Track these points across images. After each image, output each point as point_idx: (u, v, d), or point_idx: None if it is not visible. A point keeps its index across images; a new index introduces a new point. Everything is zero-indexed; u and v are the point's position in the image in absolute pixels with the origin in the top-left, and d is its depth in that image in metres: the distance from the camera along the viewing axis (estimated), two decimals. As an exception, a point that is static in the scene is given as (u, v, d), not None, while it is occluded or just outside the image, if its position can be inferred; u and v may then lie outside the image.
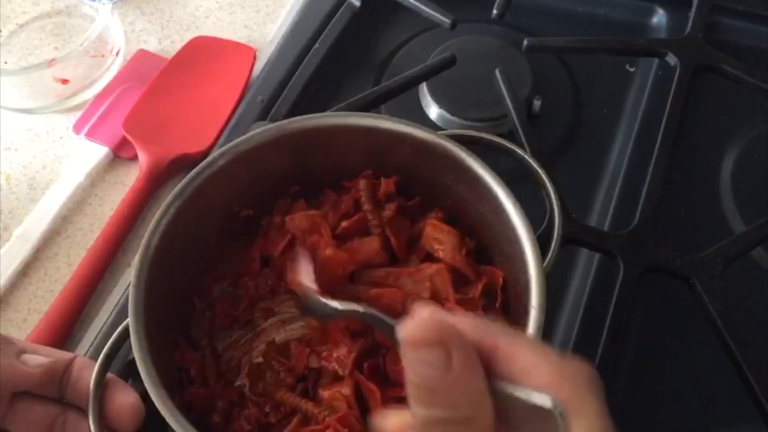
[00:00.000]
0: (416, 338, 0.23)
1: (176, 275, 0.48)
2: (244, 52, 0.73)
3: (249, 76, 0.71)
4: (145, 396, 0.41)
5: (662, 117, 0.63)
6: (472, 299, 0.47)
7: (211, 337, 0.48)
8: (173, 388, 0.42)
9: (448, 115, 0.66)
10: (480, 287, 0.47)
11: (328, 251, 0.47)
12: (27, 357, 0.44)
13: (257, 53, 0.73)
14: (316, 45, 0.71)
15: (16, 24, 0.75)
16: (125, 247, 0.61)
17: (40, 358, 0.44)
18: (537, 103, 0.66)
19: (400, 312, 0.46)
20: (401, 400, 0.30)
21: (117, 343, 0.45)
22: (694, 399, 0.54)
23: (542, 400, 0.22)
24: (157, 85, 0.70)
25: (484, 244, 0.50)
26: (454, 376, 0.22)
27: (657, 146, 0.61)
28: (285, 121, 0.50)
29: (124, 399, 0.44)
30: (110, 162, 0.66)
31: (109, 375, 0.45)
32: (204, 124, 0.67)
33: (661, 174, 0.60)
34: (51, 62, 0.66)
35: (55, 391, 0.45)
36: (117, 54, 0.72)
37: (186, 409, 0.43)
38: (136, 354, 0.41)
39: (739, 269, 0.55)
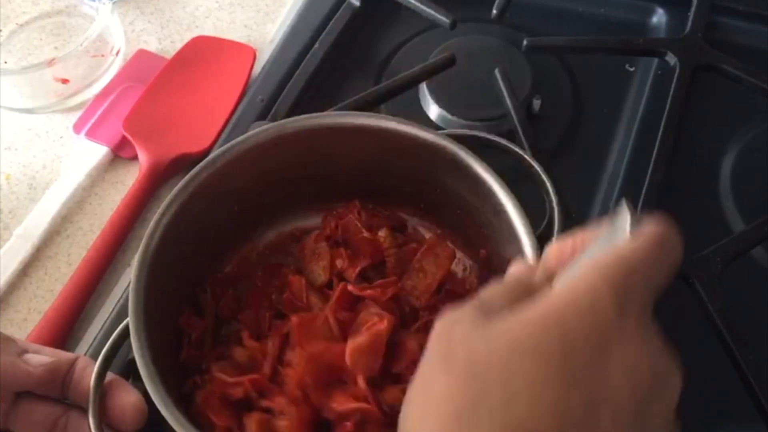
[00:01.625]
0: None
1: (176, 275, 0.48)
2: (244, 51, 0.73)
3: (249, 76, 0.71)
4: (146, 395, 0.41)
5: (662, 116, 0.63)
6: None
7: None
8: (173, 386, 0.42)
9: (448, 115, 0.66)
10: None
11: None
12: (29, 356, 0.44)
13: (257, 53, 0.73)
14: (316, 45, 0.71)
15: (16, 24, 0.75)
16: (125, 246, 0.61)
17: (42, 357, 0.44)
18: (537, 103, 0.66)
19: None
20: None
21: (117, 343, 0.45)
22: (693, 398, 0.53)
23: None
24: (157, 84, 0.70)
25: (484, 243, 0.50)
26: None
27: (656, 145, 0.61)
28: (285, 121, 0.50)
29: (126, 398, 0.44)
30: (110, 162, 0.66)
31: (112, 375, 0.45)
32: (204, 123, 0.67)
33: (660, 173, 0.60)
34: (51, 62, 0.66)
35: (57, 391, 0.45)
36: (117, 54, 0.72)
37: (185, 404, 0.43)
38: (137, 353, 0.41)
39: (738, 269, 0.55)
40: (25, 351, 0.45)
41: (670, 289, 0.55)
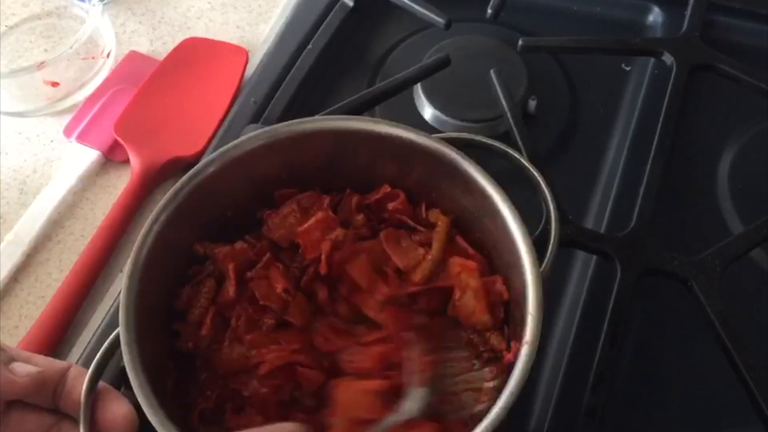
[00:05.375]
0: None
1: (169, 281, 0.47)
2: (237, 53, 0.72)
3: (242, 78, 0.70)
4: (138, 404, 0.40)
5: (659, 117, 0.63)
6: None
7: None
8: (164, 396, 0.42)
9: (443, 116, 0.65)
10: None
11: None
12: (15, 365, 0.43)
13: (250, 54, 0.72)
14: (310, 46, 0.70)
15: (6, 26, 0.74)
16: (118, 251, 0.60)
17: (29, 367, 0.44)
18: (532, 104, 0.66)
19: None
20: None
21: (109, 351, 0.44)
22: (692, 401, 0.53)
23: None
24: (148, 87, 0.69)
25: (481, 247, 0.50)
26: None
27: (654, 146, 0.61)
28: (277, 126, 0.50)
29: (117, 409, 0.43)
30: (102, 165, 0.66)
31: (103, 384, 0.44)
32: (196, 126, 0.67)
33: (658, 174, 0.59)
34: (41, 65, 0.65)
35: (49, 400, 0.44)
36: (108, 56, 0.72)
37: (177, 414, 0.42)
38: (127, 363, 0.40)
39: (737, 271, 0.55)
40: (13, 359, 0.44)
41: (670, 292, 0.55)
